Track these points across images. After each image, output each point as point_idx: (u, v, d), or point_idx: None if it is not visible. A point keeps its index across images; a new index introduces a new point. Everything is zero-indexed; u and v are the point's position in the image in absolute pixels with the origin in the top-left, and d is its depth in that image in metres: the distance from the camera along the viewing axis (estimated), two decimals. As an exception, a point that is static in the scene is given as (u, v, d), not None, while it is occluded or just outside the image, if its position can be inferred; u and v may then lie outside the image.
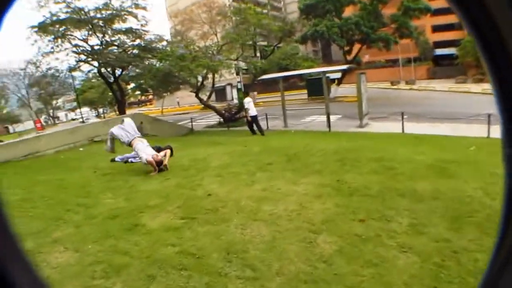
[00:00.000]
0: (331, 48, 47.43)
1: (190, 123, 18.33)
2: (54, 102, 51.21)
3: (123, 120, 6.65)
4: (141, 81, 20.94)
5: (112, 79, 21.47)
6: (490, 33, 0.38)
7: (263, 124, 15.30)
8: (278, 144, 8.78)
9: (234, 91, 23.44)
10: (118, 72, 20.49)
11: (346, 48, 29.81)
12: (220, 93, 27.29)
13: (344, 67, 18.72)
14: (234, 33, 18.41)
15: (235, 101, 19.98)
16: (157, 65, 18.04)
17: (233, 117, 18.08)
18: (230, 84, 25.21)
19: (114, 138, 6.46)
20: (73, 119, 45.33)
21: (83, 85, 46.39)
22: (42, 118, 47.64)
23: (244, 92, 20.73)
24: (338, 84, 30.79)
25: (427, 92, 27.14)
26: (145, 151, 6.13)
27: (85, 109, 60.29)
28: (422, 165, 5.35)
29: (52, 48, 18.07)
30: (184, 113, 32.28)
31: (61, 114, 60.97)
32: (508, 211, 0.45)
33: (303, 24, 27.87)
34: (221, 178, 5.49)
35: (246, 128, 15.89)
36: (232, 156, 7.20)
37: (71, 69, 20.81)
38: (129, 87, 27.04)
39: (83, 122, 35.60)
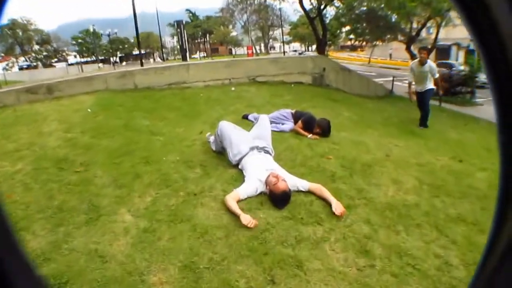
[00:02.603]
0: None
1: (391, 83, 13.62)
2: (270, 33, 55.52)
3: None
4: (358, 25, 17.70)
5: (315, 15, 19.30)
6: (488, 32, 0.40)
7: None
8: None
9: (461, 54, 16.38)
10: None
11: None
12: (442, 53, 20.11)
13: None
14: None
15: (459, 66, 13.62)
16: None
17: (452, 89, 12.39)
18: (457, 44, 17.97)
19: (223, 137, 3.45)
20: (284, 52, 47.75)
21: (298, 20, 46.96)
22: (258, 46, 53.06)
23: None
24: None
25: None
26: (255, 172, 2.99)
27: (296, 44, 62.96)
28: None
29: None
30: (394, 68, 26.93)
31: (276, 45, 66.33)
32: (503, 201, 0.42)
33: None
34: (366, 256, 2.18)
35: (468, 111, 10.47)
36: (421, 181, 3.33)
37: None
38: (344, 29, 24.72)
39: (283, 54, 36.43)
